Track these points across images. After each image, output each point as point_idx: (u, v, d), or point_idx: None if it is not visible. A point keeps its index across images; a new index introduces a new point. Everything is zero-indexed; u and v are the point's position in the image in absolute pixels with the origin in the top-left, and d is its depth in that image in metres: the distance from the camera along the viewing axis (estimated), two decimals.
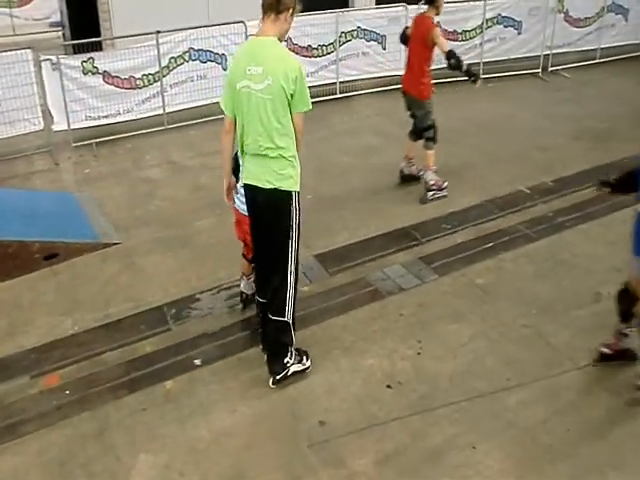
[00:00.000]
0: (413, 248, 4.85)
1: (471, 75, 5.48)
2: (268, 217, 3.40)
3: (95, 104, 6.83)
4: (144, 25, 6.79)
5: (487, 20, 9.05)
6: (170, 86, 7.11)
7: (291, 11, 3.23)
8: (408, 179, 5.86)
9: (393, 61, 8.37)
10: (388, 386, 3.56)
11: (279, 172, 3.29)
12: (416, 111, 5.58)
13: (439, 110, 5.48)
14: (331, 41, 7.99)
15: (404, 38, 5.67)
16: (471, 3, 8.77)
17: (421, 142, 5.63)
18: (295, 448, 3.16)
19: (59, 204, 5.44)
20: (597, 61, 9.85)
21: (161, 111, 7.05)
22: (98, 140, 6.79)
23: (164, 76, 6.98)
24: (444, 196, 5.60)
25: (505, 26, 9.31)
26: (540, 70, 9.32)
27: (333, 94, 7.95)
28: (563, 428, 3.32)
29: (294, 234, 3.42)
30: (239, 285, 4.19)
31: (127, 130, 6.88)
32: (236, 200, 3.76)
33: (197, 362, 3.67)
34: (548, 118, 7.69)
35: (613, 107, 8.13)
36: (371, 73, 8.34)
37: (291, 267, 3.45)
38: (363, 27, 8.21)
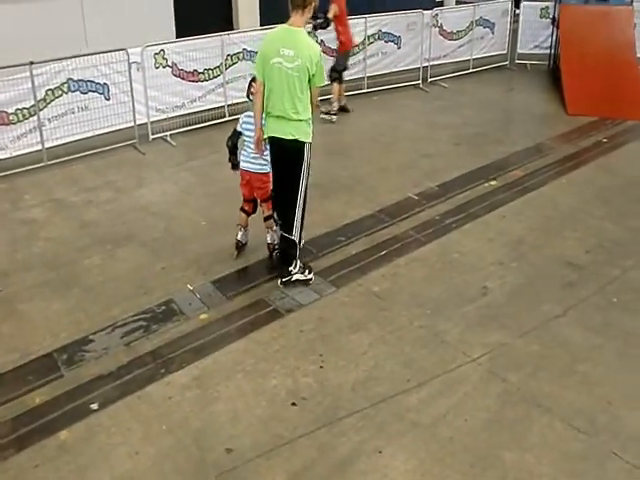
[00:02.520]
0: (310, 263, 4.90)
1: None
2: (288, 160, 4.40)
3: None
4: (16, 56, 6.45)
5: (369, 36, 9.43)
6: (48, 120, 6.77)
7: (313, 5, 4.26)
8: None
9: None
10: (293, 404, 3.58)
11: (297, 128, 4.32)
12: None
13: (327, 126, 5.63)
14: (217, 64, 8.00)
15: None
16: (353, 21, 9.09)
17: None
18: None
19: None
20: (470, 71, 10.52)
21: (39, 147, 6.69)
22: None
23: (41, 109, 6.66)
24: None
25: (386, 41, 9.74)
26: (420, 81, 9.80)
27: (222, 117, 7.92)
28: (461, 419, 3.48)
29: (304, 173, 4.44)
30: (137, 318, 4.16)
31: (1, 170, 6.49)
32: (242, 163, 4.79)
33: (94, 406, 3.51)
34: (430, 126, 8.11)
35: (486, 113, 8.72)
36: None
37: (300, 200, 4.48)
38: (249, 49, 8.27)
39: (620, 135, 7.92)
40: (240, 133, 4.80)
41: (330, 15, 7.88)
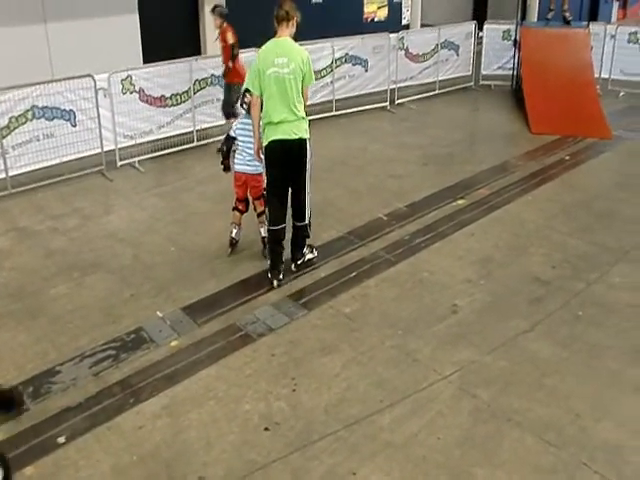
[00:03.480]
0: (281, 287, 4.93)
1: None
2: (294, 157, 4.86)
3: None
4: None
5: (336, 60, 9.58)
6: (12, 147, 6.69)
7: (295, 19, 4.76)
8: None
9: None
10: (266, 428, 3.56)
11: (299, 127, 4.79)
12: None
13: None
14: (185, 89, 8.03)
15: None
16: (320, 45, 9.24)
17: None
18: None
19: None
20: (436, 92, 10.75)
21: (3, 175, 6.60)
22: None
23: (4, 137, 6.58)
24: None
25: (353, 64, 9.91)
26: (388, 103, 9.98)
27: (190, 142, 7.94)
28: (434, 438, 3.49)
29: (309, 166, 4.95)
30: (106, 347, 4.12)
31: None
32: (237, 166, 5.19)
33: (61, 440, 3.44)
34: (398, 148, 8.23)
35: (452, 133, 8.90)
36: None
37: (307, 189, 5.00)
38: (217, 74, 8.33)
39: (582, 152, 8.16)
40: (234, 138, 5.24)
41: (232, 40, 7.57)
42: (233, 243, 5.41)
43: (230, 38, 7.57)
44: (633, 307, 4.71)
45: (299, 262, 5.19)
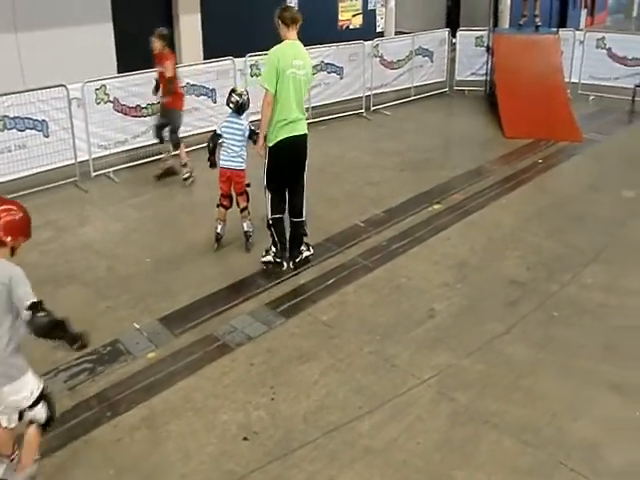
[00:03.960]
0: (259, 295, 4.91)
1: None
2: (300, 153, 5.16)
3: None
4: None
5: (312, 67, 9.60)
6: None
7: (300, 22, 5.04)
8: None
9: (224, 113, 8.54)
10: (245, 438, 3.54)
11: (305, 124, 5.18)
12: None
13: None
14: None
15: None
16: None
17: None
18: None
19: None
20: (411, 98, 10.84)
21: None
22: None
23: None
24: None
25: (329, 72, 9.95)
26: (364, 110, 10.03)
27: (167, 152, 7.88)
28: (413, 442, 3.52)
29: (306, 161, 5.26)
30: (81, 360, 4.09)
31: None
32: (222, 161, 5.46)
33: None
34: (374, 154, 8.28)
35: (428, 139, 8.98)
36: (203, 128, 8.42)
37: (305, 183, 5.25)
38: (192, 82, 8.30)
39: (554, 156, 8.30)
40: (220, 135, 5.47)
41: (170, 74, 6.86)
42: (218, 238, 5.61)
43: (169, 70, 6.87)
44: (605, 307, 4.80)
45: (297, 260, 5.33)
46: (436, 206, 6.60)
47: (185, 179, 7.18)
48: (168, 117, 7.15)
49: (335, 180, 7.33)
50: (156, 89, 7.17)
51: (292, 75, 4.91)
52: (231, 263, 5.43)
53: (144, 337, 4.42)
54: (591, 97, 10.95)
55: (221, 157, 5.48)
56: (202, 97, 8.51)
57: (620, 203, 6.73)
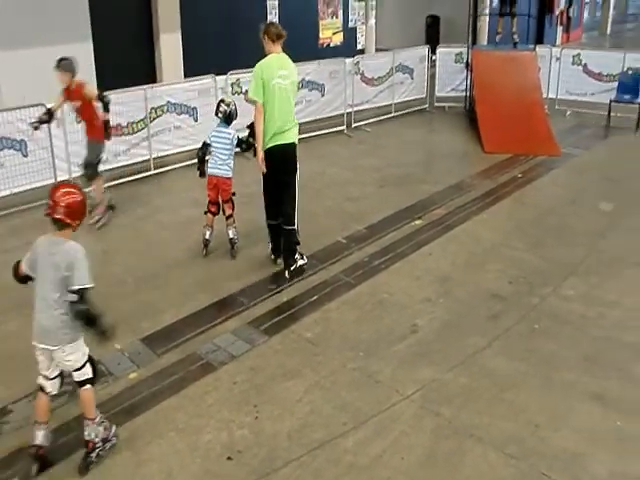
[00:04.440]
0: (241, 314, 4.89)
1: None
2: (287, 160, 5.33)
3: None
4: None
5: None
6: None
7: (285, 38, 5.28)
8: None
9: (205, 132, 8.56)
10: (229, 458, 3.51)
11: (293, 131, 5.34)
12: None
13: (255, 176, 5.70)
14: (141, 117, 7.98)
15: None
16: None
17: None
18: None
19: None
20: (392, 115, 10.97)
21: None
22: None
23: None
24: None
25: (310, 89, 10.03)
26: (345, 127, 10.12)
27: (147, 171, 7.88)
28: (398, 458, 3.51)
29: (297, 169, 5.40)
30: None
31: None
32: (210, 169, 5.69)
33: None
34: (355, 170, 8.35)
35: (408, 155, 9.09)
36: (184, 146, 8.44)
37: (295, 192, 5.39)
38: (173, 101, 8.32)
39: (533, 170, 8.43)
40: (209, 145, 5.72)
41: (95, 93, 6.42)
42: (206, 244, 5.81)
43: (90, 90, 6.36)
44: (585, 318, 4.86)
45: (292, 268, 5.43)
46: (417, 221, 6.65)
47: (95, 222, 6.47)
48: (87, 148, 6.58)
49: (316, 196, 7.34)
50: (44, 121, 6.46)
51: (277, 85, 5.12)
52: (214, 281, 5.41)
53: (126, 357, 4.38)
54: (568, 112, 11.17)
55: (209, 165, 5.72)
56: (183, 115, 8.53)
57: (598, 216, 6.85)
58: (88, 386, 3.47)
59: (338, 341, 4.58)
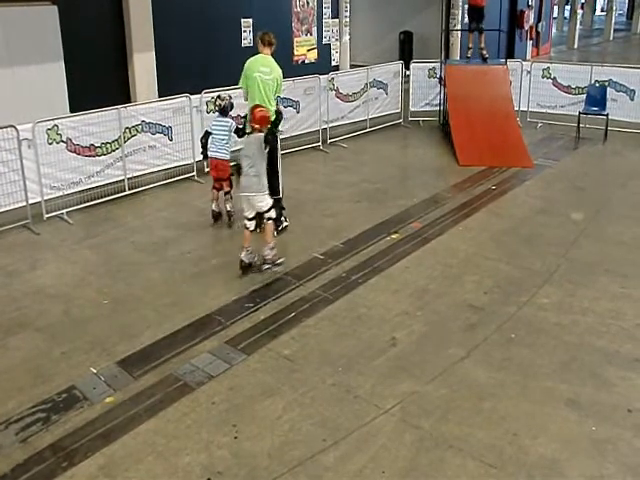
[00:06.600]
0: (219, 333, 4.85)
1: None
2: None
3: None
4: None
5: None
6: None
7: (275, 45, 6.51)
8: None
9: (180, 151, 8.58)
10: (208, 479, 3.46)
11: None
12: None
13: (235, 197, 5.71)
14: (115, 138, 7.92)
15: None
16: None
17: None
18: None
19: None
20: (367, 130, 11.06)
21: None
22: None
23: None
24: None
25: (285, 106, 10.02)
26: (320, 143, 10.17)
27: (122, 191, 7.80)
28: (379, 472, 3.49)
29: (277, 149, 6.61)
30: (35, 410, 3.94)
31: None
32: (210, 152, 6.93)
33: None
34: (331, 186, 8.38)
35: (384, 169, 9.16)
36: (159, 166, 8.39)
37: (279, 168, 6.65)
38: (148, 120, 8.28)
39: (506, 181, 8.55)
40: (210, 133, 6.94)
41: None
42: (215, 215, 7.02)
43: None
44: (559, 326, 4.92)
45: (279, 228, 6.58)
46: (394, 235, 6.69)
47: None
48: None
49: (292, 213, 7.34)
50: None
51: (258, 77, 6.28)
52: (190, 301, 5.36)
53: (102, 381, 4.30)
54: (539, 124, 11.39)
55: (210, 149, 6.90)
56: (158, 135, 8.49)
57: (570, 225, 6.96)
58: (270, 222, 5.74)
59: (317, 357, 4.56)
